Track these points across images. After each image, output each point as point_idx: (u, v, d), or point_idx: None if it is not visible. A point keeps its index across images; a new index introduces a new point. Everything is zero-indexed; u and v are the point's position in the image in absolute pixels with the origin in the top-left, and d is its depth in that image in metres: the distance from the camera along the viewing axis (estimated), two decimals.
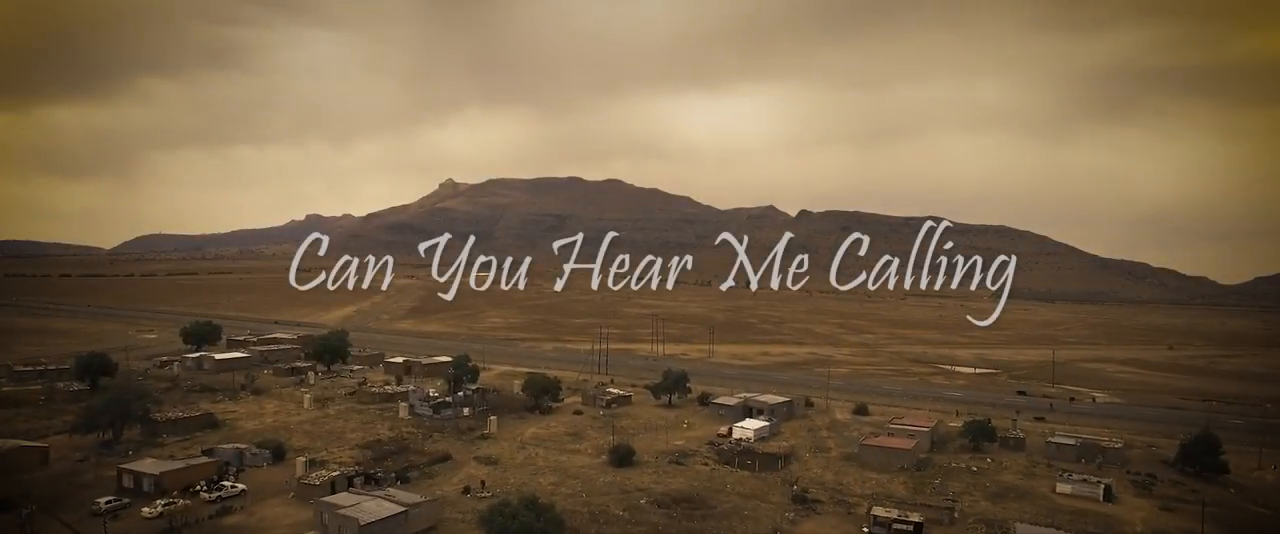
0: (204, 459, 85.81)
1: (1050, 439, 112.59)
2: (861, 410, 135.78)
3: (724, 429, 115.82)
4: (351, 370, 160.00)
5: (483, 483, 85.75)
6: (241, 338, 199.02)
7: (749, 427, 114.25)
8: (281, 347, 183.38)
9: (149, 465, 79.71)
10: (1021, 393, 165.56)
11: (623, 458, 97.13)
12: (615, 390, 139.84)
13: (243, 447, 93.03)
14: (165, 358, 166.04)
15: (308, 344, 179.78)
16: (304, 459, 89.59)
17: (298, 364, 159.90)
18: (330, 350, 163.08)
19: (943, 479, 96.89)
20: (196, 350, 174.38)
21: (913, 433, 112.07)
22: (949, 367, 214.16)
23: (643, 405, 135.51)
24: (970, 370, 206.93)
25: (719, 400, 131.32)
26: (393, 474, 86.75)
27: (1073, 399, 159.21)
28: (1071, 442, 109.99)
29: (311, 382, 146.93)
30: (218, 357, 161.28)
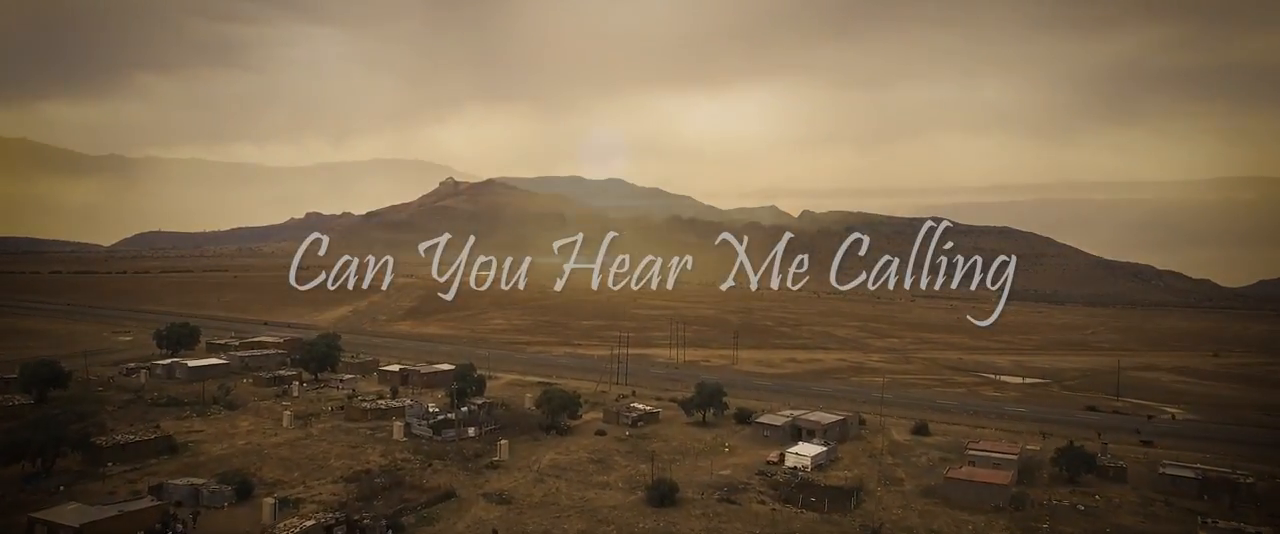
0: (146, 502, 68.54)
1: (1162, 469, 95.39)
2: (922, 430, 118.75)
3: (774, 455, 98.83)
4: (341, 380, 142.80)
5: (495, 533, 68.73)
6: (222, 342, 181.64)
7: (804, 453, 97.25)
8: (265, 352, 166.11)
9: (69, 514, 62.55)
10: (1091, 408, 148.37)
11: (664, 495, 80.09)
12: (641, 406, 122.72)
13: (200, 482, 75.91)
14: (133, 364, 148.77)
15: (294, 349, 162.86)
16: (273, 500, 72.35)
17: (281, 372, 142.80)
18: (317, 357, 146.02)
19: (1051, 523, 80.00)
20: (170, 355, 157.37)
21: (999, 461, 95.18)
22: (994, 375, 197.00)
23: (673, 424, 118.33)
24: (1018, 380, 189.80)
25: (763, 420, 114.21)
26: (383, 520, 69.64)
27: (1151, 417, 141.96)
28: (1190, 474, 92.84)
29: (295, 394, 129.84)
30: (191, 363, 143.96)
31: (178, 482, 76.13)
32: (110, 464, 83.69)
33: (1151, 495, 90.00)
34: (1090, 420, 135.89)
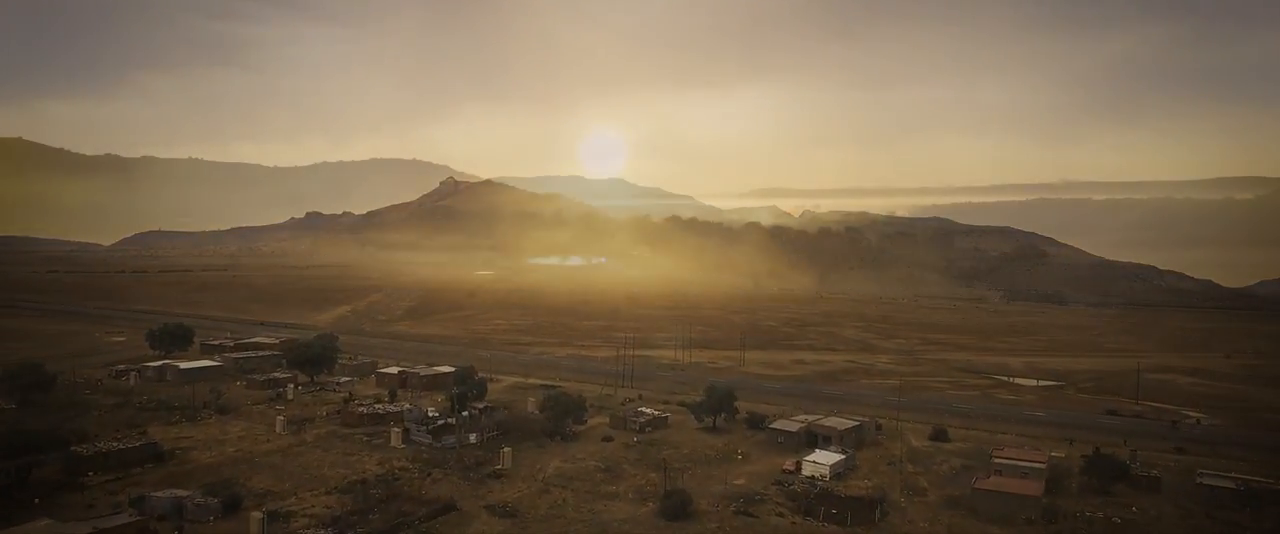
0: (125, 516, 64.04)
1: (1201, 479, 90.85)
2: (940, 435, 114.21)
3: (790, 463, 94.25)
4: (338, 382, 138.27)
5: None
6: (216, 342, 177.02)
7: (822, 461, 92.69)
8: (260, 353, 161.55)
9: (39, 531, 57.98)
10: (1112, 412, 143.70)
11: (677, 507, 75.59)
12: (649, 410, 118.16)
13: (184, 494, 71.38)
14: (123, 366, 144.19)
15: (290, 350, 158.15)
16: (261, 513, 67.80)
17: (276, 374, 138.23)
18: (314, 358, 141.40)
19: None
20: (163, 357, 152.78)
21: (1027, 470, 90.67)
22: (1007, 378, 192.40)
23: (682, 429, 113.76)
24: (1032, 383, 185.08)
25: (777, 425, 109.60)
26: None
27: (1175, 422, 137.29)
28: (1229, 484, 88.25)
29: (290, 397, 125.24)
30: (183, 365, 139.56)
31: (161, 493, 71.65)
32: (91, 474, 79.24)
33: (1190, 507, 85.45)
34: (1113, 425, 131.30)
